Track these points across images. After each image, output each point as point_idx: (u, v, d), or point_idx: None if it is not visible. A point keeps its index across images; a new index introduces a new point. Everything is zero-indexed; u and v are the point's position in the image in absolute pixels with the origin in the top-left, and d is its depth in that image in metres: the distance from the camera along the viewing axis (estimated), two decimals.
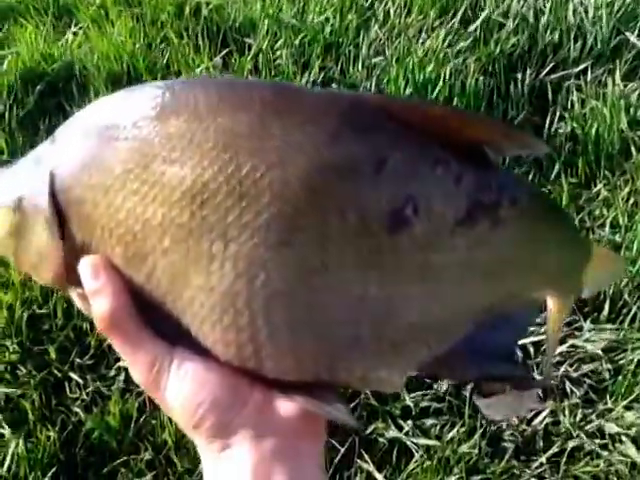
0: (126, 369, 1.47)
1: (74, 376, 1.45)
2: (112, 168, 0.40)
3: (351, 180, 0.39)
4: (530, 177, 1.75)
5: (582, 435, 1.39)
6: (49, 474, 1.29)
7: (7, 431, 1.35)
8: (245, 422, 0.41)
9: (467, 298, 0.41)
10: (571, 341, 1.50)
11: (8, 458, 1.30)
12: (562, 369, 1.47)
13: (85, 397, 1.43)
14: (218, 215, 0.39)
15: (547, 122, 1.88)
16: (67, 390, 1.44)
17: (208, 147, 0.38)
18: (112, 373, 1.47)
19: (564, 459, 1.35)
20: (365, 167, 0.39)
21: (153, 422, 1.38)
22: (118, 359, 1.49)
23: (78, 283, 0.42)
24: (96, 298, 0.41)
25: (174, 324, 0.41)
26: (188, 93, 0.40)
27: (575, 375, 1.48)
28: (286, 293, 0.39)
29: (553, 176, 1.78)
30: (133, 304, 0.41)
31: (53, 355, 1.49)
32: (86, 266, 0.42)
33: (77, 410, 1.40)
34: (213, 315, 0.40)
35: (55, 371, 1.47)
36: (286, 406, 0.41)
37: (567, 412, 1.41)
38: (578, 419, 1.42)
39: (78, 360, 1.49)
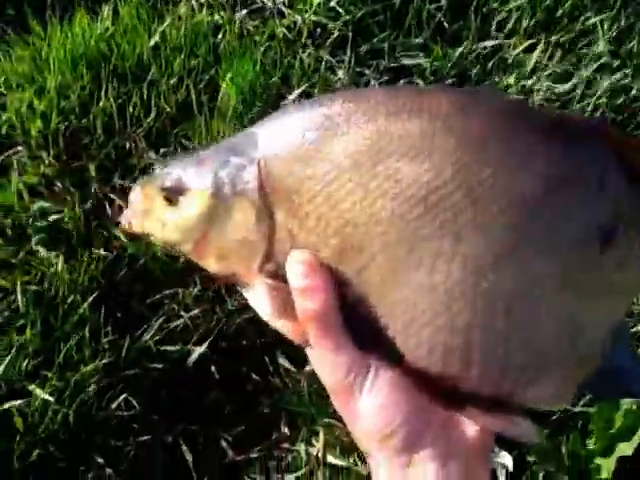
0: None
1: (116, 198, 1.33)
2: (339, 161, 0.40)
3: (579, 191, 0.40)
4: None
5: None
6: (90, 299, 1.20)
7: (43, 250, 1.25)
8: (431, 441, 0.41)
9: (620, 312, 0.44)
10: None
11: (47, 277, 1.21)
12: None
13: None
14: (451, 214, 0.39)
15: None
16: (109, 212, 1.32)
17: (450, 147, 0.39)
18: None
19: None
20: (591, 181, 0.40)
21: None
22: None
23: (271, 274, 0.42)
24: (307, 296, 0.41)
25: (374, 323, 0.41)
26: (431, 95, 0.40)
27: None
28: (509, 299, 0.39)
29: None
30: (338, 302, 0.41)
31: (93, 173, 1.36)
32: (298, 262, 0.41)
33: (119, 235, 1.29)
34: (428, 314, 0.40)
35: (96, 191, 1.34)
36: (468, 428, 0.42)
37: None
38: None
39: (120, 182, 1.36)
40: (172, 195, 0.43)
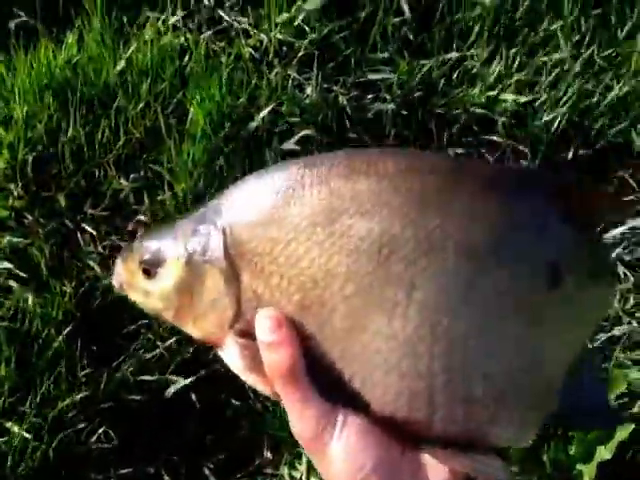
0: (145, 224, 1.34)
1: (88, 228, 1.32)
2: (296, 222, 0.43)
3: (523, 236, 0.43)
4: None
5: (633, 322, 1.31)
6: (64, 332, 1.19)
7: (16, 284, 1.24)
8: None
9: (579, 346, 0.46)
10: (631, 222, 1.38)
11: (20, 312, 1.19)
12: (616, 251, 1.37)
13: (102, 250, 1.30)
14: (404, 265, 0.42)
15: None
16: (81, 242, 1.31)
17: (397, 204, 0.42)
18: (130, 227, 1.34)
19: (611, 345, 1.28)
20: (533, 226, 0.44)
21: None
22: (136, 212, 1.36)
23: (241, 333, 0.44)
24: (273, 351, 0.42)
25: (339, 374, 0.42)
26: (378, 158, 0.44)
27: (629, 259, 1.38)
28: (465, 339, 0.42)
29: None
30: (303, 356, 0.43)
31: (63, 203, 1.34)
32: (265, 318, 0.43)
33: (93, 265, 1.28)
34: (390, 361, 0.42)
35: (66, 221, 1.33)
36: (438, 470, 0.43)
37: (618, 297, 1.33)
38: (629, 305, 1.33)
39: (91, 211, 1.35)
40: (150, 267, 0.46)
